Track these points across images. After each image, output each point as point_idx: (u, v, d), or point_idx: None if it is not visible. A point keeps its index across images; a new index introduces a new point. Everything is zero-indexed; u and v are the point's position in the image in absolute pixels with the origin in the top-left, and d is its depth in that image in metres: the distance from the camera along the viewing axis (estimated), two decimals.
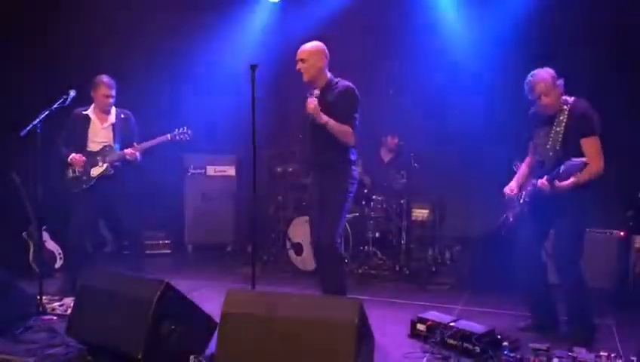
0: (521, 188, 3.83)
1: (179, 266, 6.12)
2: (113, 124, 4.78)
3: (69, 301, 4.05)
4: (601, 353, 3.08)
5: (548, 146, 3.59)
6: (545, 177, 3.49)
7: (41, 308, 3.97)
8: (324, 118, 3.67)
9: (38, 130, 4.07)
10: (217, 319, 2.94)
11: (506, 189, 3.87)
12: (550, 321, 3.81)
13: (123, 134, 4.78)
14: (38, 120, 4.07)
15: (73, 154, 4.66)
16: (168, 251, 6.58)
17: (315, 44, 3.85)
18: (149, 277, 3.35)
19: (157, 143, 4.73)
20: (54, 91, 4.32)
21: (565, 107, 3.57)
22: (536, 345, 3.26)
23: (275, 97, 6.06)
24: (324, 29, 5.87)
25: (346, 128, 3.72)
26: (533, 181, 3.66)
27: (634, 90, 5.17)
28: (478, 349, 3.25)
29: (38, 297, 4.01)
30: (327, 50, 3.87)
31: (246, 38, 6.67)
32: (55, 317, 3.92)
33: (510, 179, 3.90)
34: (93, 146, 4.72)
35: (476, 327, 3.40)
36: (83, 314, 3.31)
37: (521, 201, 3.75)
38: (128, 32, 6.23)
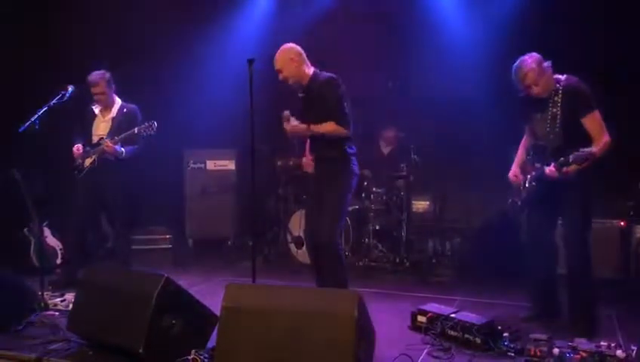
0: (524, 171, 3.79)
1: (179, 260, 6.12)
2: (113, 118, 4.84)
3: (71, 296, 4.06)
4: (602, 343, 3.07)
5: (547, 129, 3.54)
6: (552, 165, 3.44)
7: (42, 304, 3.97)
8: (303, 127, 3.69)
9: (37, 127, 4.08)
10: (218, 313, 2.94)
11: (511, 175, 3.85)
12: (551, 311, 3.80)
13: (121, 128, 4.76)
14: (36, 116, 4.09)
15: (76, 145, 4.77)
16: (169, 245, 6.58)
17: (284, 49, 3.76)
18: (149, 272, 3.35)
19: (125, 136, 4.66)
20: (54, 89, 4.33)
21: (558, 86, 3.50)
22: (537, 336, 3.26)
23: (274, 91, 6.04)
24: (322, 21, 5.85)
25: (330, 126, 3.65)
26: (537, 165, 3.62)
27: (634, 82, 5.14)
28: (478, 340, 3.26)
29: (40, 293, 4.03)
30: (297, 48, 3.77)
31: (244, 32, 6.63)
32: (57, 313, 3.92)
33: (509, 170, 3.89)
34: (94, 139, 4.83)
35: (476, 318, 3.40)
36: (84, 309, 3.32)
37: (527, 185, 3.71)
38: (128, 31, 6.20)
